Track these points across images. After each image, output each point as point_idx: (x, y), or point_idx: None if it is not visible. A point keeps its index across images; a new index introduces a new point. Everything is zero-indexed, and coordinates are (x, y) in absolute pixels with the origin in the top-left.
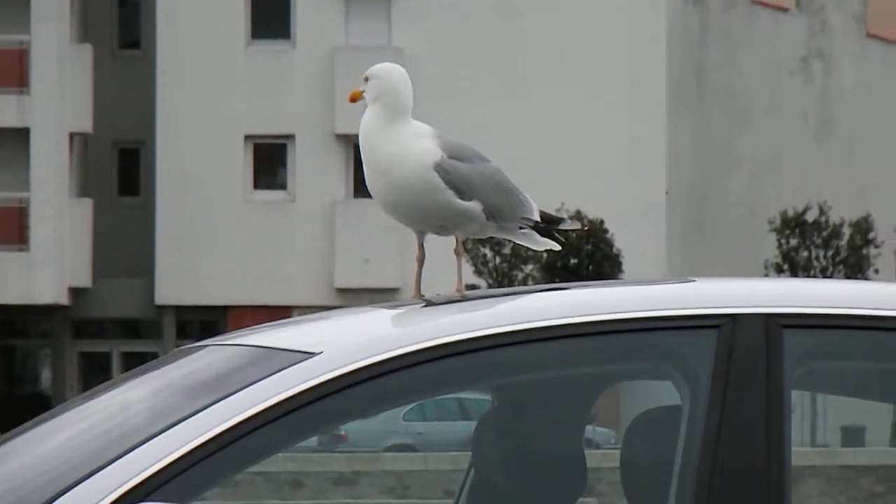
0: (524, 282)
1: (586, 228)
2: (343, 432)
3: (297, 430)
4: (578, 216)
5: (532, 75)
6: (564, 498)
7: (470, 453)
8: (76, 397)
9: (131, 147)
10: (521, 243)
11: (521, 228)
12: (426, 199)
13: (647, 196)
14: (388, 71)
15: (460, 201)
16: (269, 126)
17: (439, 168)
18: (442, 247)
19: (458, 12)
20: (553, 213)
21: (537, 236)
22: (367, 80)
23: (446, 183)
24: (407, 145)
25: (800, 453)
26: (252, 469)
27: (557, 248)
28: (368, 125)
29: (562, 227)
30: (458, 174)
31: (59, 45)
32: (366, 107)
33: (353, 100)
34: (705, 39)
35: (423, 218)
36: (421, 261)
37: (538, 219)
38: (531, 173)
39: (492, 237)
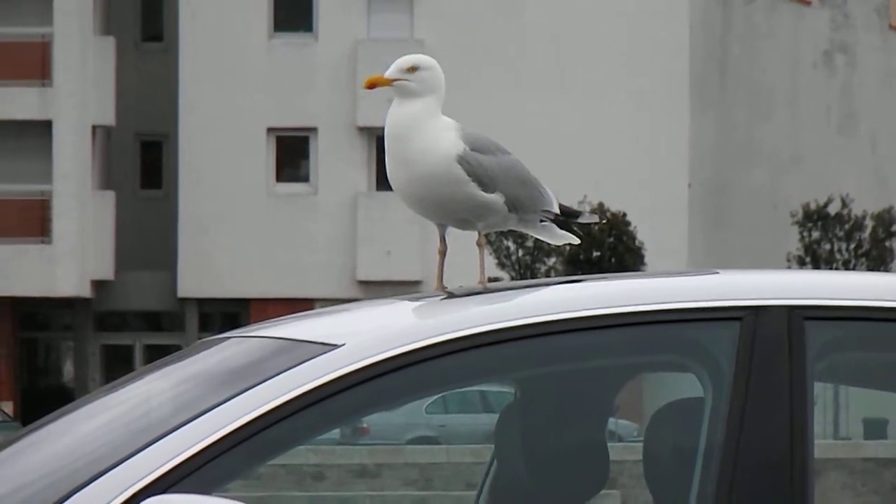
0: (547, 274)
1: (605, 222)
2: (365, 424)
3: (319, 423)
4: (601, 209)
5: (556, 68)
6: (587, 490)
7: (492, 446)
8: (99, 389)
9: (154, 140)
10: (540, 237)
11: (541, 221)
12: (449, 192)
13: (669, 189)
14: (435, 64)
15: (483, 193)
16: (292, 119)
17: (462, 160)
18: (465, 240)
19: (480, 5)
20: (575, 205)
21: (557, 229)
22: (413, 70)
23: (469, 175)
24: (433, 138)
25: (822, 446)
26: (274, 461)
27: (576, 241)
28: (410, 119)
29: (580, 220)
30: (482, 166)
31: (82, 37)
32: (388, 98)
33: (374, 85)
34: (728, 33)
35: (446, 210)
36: (443, 253)
37: (558, 211)
38: (554, 166)
39: (514, 230)
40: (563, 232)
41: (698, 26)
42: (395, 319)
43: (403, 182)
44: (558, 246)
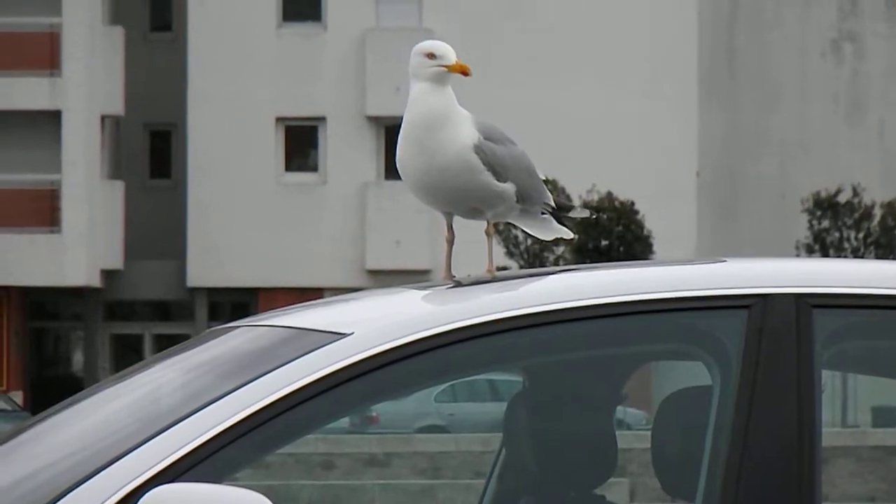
0: (555, 263)
1: (594, 217)
2: (375, 413)
3: (328, 411)
4: (609, 197)
5: (564, 57)
6: (595, 478)
7: (501, 434)
8: (108, 379)
9: (163, 129)
10: (532, 231)
11: (542, 213)
12: (465, 181)
13: (678, 178)
14: None
15: (497, 183)
16: (301, 108)
17: (478, 150)
18: (474, 229)
19: None
20: (584, 194)
21: (554, 223)
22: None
23: (485, 164)
24: (453, 128)
25: (830, 434)
26: (284, 450)
27: (570, 236)
28: (445, 106)
29: (572, 214)
30: (496, 156)
31: (91, 27)
32: (397, 88)
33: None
34: (735, 21)
35: (459, 199)
36: (451, 242)
37: (554, 205)
38: (563, 154)
39: (512, 223)
40: (559, 226)
41: (707, 15)
42: (404, 308)
43: (419, 170)
44: (549, 241)
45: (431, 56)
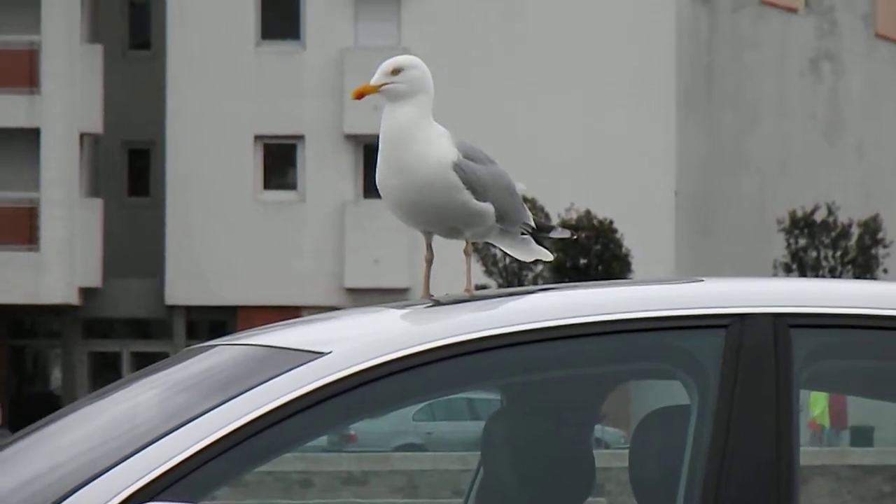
0: (534, 282)
1: (575, 238)
2: (353, 432)
3: (306, 430)
4: (588, 216)
5: (542, 76)
6: (573, 498)
7: (479, 453)
8: (86, 397)
9: (141, 147)
10: (512, 252)
11: (521, 234)
12: (444, 199)
13: (656, 196)
14: (421, 63)
15: (476, 202)
16: (279, 126)
17: (458, 168)
18: (452, 248)
19: (466, 12)
20: (562, 212)
21: (533, 244)
22: (396, 72)
23: (464, 183)
24: (429, 144)
25: (808, 453)
26: (261, 468)
27: (549, 257)
28: (407, 121)
29: (552, 235)
30: (475, 174)
31: (70, 45)
32: (375, 106)
33: (362, 95)
34: (714, 40)
35: (438, 218)
36: (430, 261)
37: (534, 225)
38: (541, 173)
39: (492, 243)
40: (538, 247)
41: (685, 34)
42: (382, 327)
43: (397, 188)
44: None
45: None
